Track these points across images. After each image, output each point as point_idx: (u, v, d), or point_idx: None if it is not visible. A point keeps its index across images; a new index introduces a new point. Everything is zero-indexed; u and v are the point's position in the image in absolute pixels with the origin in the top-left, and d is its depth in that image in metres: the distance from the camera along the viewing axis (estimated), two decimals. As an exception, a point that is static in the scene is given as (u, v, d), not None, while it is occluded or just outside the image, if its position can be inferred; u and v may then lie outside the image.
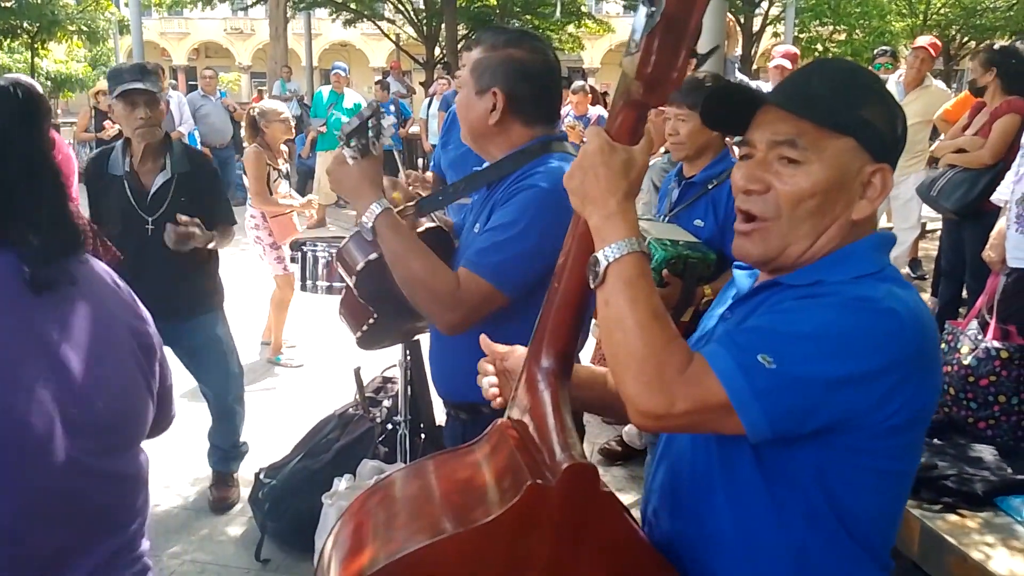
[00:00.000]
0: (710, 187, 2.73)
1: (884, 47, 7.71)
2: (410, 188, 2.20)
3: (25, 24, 17.76)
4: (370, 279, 1.86)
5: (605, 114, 7.70)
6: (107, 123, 8.66)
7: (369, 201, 1.74)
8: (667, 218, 2.84)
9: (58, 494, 1.19)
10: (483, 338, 1.42)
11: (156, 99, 3.04)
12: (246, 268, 6.28)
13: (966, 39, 18.30)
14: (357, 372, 3.26)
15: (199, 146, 9.39)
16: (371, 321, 2.04)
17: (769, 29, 18.90)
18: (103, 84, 9.90)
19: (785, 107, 1.11)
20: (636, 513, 1.31)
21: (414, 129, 11.45)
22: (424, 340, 3.19)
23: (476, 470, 1.22)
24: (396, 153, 3.78)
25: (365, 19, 18.46)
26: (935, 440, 2.68)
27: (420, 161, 11.84)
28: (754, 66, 18.18)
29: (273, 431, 3.93)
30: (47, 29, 17.79)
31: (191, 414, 3.62)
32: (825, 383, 1.00)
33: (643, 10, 1.04)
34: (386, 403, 3.31)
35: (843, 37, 18.89)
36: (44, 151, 1.24)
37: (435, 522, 1.12)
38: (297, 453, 3.19)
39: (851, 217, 1.12)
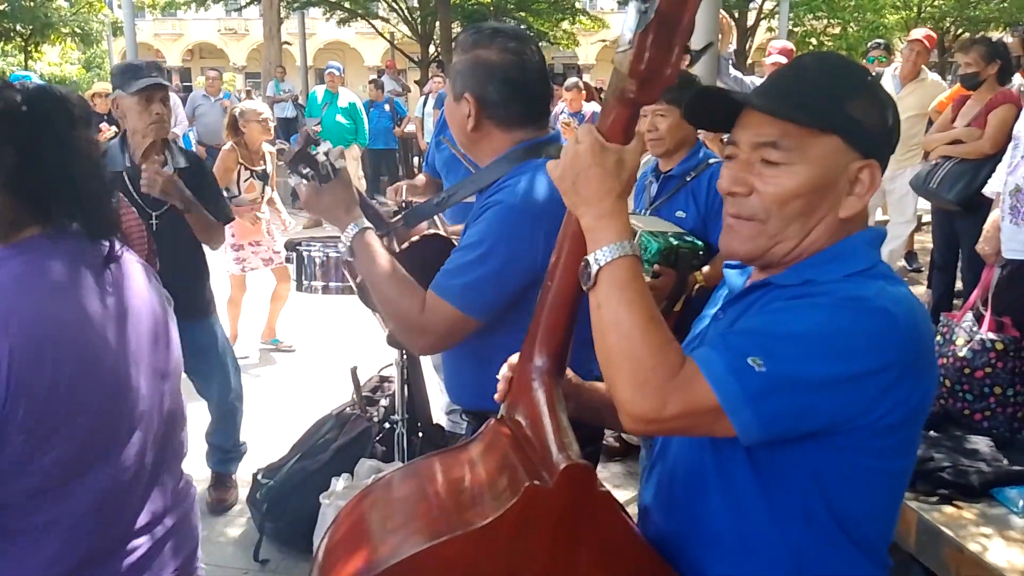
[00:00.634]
0: (688, 179, 2.83)
1: (878, 40, 7.71)
2: (399, 199, 2.17)
3: (18, 27, 17.73)
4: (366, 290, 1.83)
5: (599, 110, 7.70)
6: (103, 125, 8.64)
7: (345, 224, 1.69)
8: (648, 212, 2.92)
9: (150, 464, 1.40)
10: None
11: (168, 95, 3.07)
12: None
13: (960, 31, 18.31)
14: (354, 372, 3.26)
15: (194, 147, 9.40)
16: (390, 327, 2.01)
17: (763, 24, 18.90)
18: (99, 86, 9.87)
19: (767, 110, 1.10)
20: (634, 509, 1.31)
21: (410, 128, 11.45)
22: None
23: (471, 470, 1.22)
24: (393, 153, 3.79)
25: (359, 18, 18.45)
26: (931, 432, 2.68)
27: (416, 160, 11.85)
28: (748, 61, 18.20)
29: (270, 431, 3.93)
30: (40, 32, 17.76)
31: (189, 415, 3.61)
32: (816, 384, 0.99)
33: (636, 7, 1.03)
34: (383, 402, 3.31)
35: (837, 31, 18.92)
36: (81, 145, 1.33)
37: (432, 524, 1.12)
38: (295, 453, 3.19)
39: (839, 215, 1.11)
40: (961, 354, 2.79)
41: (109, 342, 1.31)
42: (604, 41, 25.07)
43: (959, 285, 5.22)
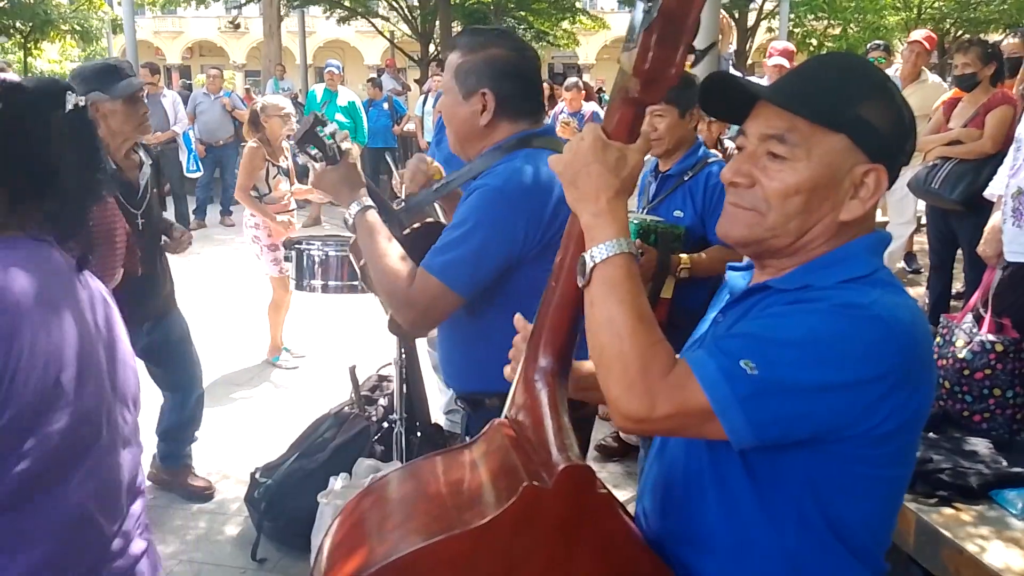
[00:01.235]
0: (686, 178, 2.85)
1: (878, 41, 7.71)
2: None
3: (18, 24, 17.68)
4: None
5: (599, 109, 7.73)
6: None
7: (349, 201, 1.83)
8: (646, 211, 2.96)
9: (120, 468, 1.34)
10: (518, 316, 1.38)
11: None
12: (242, 269, 6.27)
13: (960, 33, 18.32)
14: (352, 371, 3.25)
15: (194, 145, 9.39)
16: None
17: (763, 24, 18.90)
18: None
19: (778, 102, 1.10)
20: (634, 509, 1.31)
21: (409, 126, 11.43)
22: (421, 341, 3.21)
23: (472, 470, 1.22)
24: (388, 152, 3.81)
25: (359, 16, 18.42)
26: (930, 434, 2.68)
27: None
28: (749, 61, 18.20)
29: (269, 430, 3.93)
30: (40, 29, 17.70)
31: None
32: (808, 390, 0.99)
33: (641, 6, 1.03)
34: (382, 402, 3.30)
35: (838, 32, 18.92)
36: (52, 143, 1.28)
37: (430, 523, 1.12)
38: (293, 452, 3.18)
39: (840, 217, 1.10)
40: (961, 355, 2.79)
41: (75, 351, 1.26)
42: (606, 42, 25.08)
43: (957, 286, 5.22)
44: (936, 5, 18.24)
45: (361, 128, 9.85)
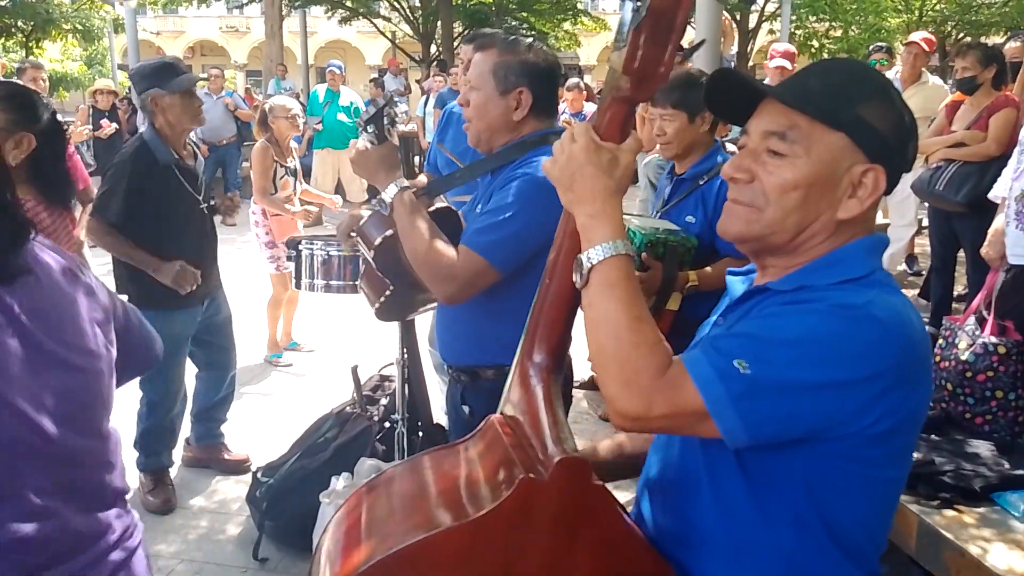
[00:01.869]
0: (700, 183, 2.76)
1: (879, 43, 7.72)
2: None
3: (19, 23, 17.69)
4: (386, 253, 2.06)
5: (601, 111, 7.72)
6: (104, 122, 8.65)
7: (387, 181, 1.93)
8: (659, 214, 2.88)
9: (65, 479, 1.23)
10: None
11: None
12: (244, 268, 6.27)
13: (961, 35, 18.34)
14: (354, 370, 3.25)
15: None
16: (388, 293, 2.23)
17: (765, 26, 18.92)
18: (102, 83, 9.90)
19: (781, 99, 1.11)
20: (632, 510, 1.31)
21: (410, 126, 11.44)
22: (422, 340, 3.21)
23: (470, 466, 1.23)
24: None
25: (361, 17, 18.44)
26: (932, 436, 2.68)
27: (416, 159, 11.82)
28: (750, 63, 18.20)
29: (271, 430, 3.93)
30: (42, 28, 17.70)
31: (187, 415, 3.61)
32: (802, 389, 0.99)
33: (630, 5, 1.05)
34: (383, 401, 3.30)
35: (839, 33, 18.93)
36: None
37: (430, 517, 1.14)
38: (295, 452, 3.18)
39: (838, 216, 1.11)
40: (963, 358, 2.79)
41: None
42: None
43: (959, 288, 5.22)
44: (937, 7, 18.28)
45: (362, 128, 9.85)
